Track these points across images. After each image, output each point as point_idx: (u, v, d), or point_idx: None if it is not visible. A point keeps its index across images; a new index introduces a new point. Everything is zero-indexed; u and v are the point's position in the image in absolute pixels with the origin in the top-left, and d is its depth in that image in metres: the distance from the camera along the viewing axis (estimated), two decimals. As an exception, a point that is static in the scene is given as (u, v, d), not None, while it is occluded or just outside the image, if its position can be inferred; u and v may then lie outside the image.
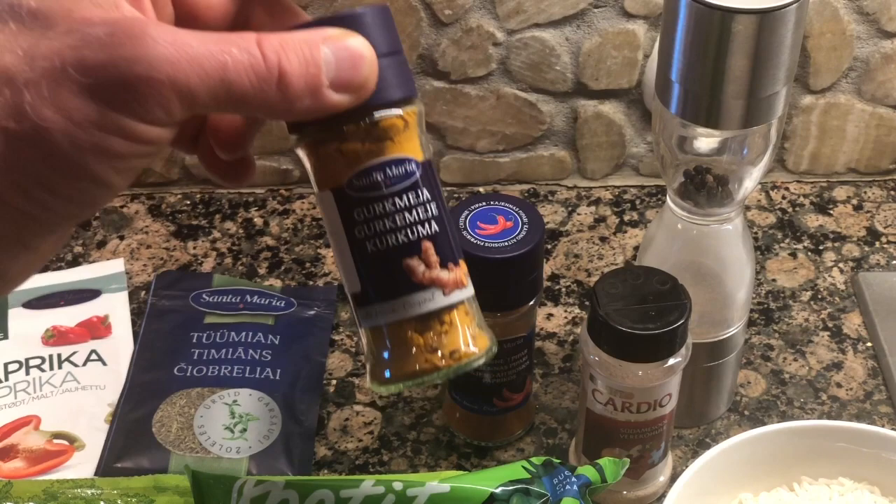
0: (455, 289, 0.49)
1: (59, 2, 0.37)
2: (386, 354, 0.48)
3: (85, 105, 0.36)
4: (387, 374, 0.48)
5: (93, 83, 0.36)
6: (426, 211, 0.48)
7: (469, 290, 0.49)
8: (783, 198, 0.94)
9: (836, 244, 0.90)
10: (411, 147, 0.47)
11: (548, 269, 0.88)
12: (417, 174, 0.47)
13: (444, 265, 0.48)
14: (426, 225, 0.48)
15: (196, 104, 0.38)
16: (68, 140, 0.37)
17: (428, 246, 0.48)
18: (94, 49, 0.36)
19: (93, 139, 0.37)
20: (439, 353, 0.48)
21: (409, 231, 0.48)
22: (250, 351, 0.79)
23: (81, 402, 0.77)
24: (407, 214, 0.48)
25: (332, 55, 0.41)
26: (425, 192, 0.48)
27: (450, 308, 0.48)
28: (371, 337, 0.48)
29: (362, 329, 0.49)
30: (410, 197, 0.48)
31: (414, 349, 0.48)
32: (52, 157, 0.37)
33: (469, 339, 0.48)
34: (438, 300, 0.48)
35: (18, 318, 0.83)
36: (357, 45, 0.42)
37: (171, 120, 0.38)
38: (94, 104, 0.36)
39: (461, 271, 0.49)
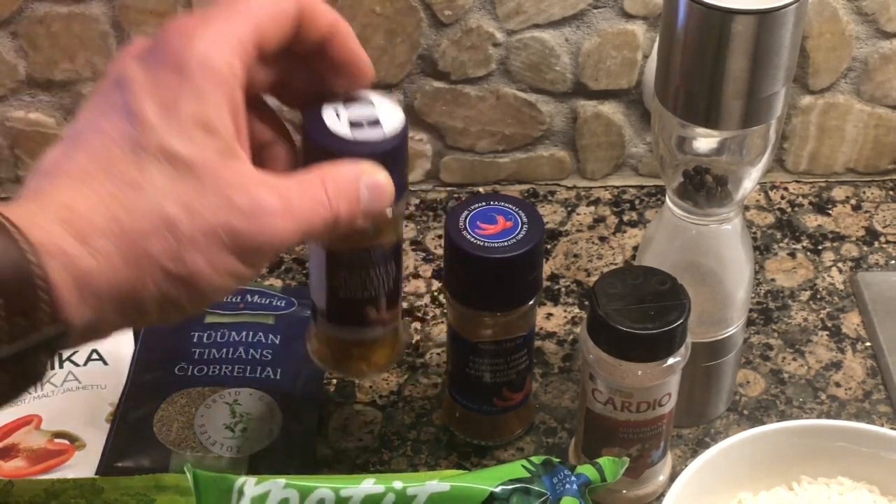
0: (391, 323, 0.64)
1: (201, 154, 0.46)
2: (330, 354, 0.65)
3: (229, 262, 0.47)
4: (323, 366, 0.67)
5: (237, 248, 0.47)
6: (388, 276, 0.62)
7: (398, 321, 0.65)
8: (782, 198, 0.94)
9: (835, 244, 0.90)
10: (393, 233, 0.60)
11: (547, 269, 0.88)
12: (391, 252, 0.61)
13: (389, 310, 0.63)
14: (386, 286, 0.62)
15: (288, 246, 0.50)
16: (210, 285, 0.47)
17: (383, 300, 0.63)
18: (239, 220, 0.47)
19: (225, 284, 0.48)
20: (366, 363, 0.65)
21: (374, 290, 0.62)
22: (251, 350, 0.80)
23: (82, 401, 0.77)
24: (376, 280, 0.62)
25: (367, 192, 0.52)
26: (393, 264, 0.62)
27: (382, 336, 0.64)
28: (323, 338, 0.65)
29: (316, 328, 0.65)
30: (381, 269, 0.62)
31: (349, 358, 0.65)
32: (194, 293, 0.47)
33: (390, 356, 0.66)
34: (377, 332, 0.64)
35: (19, 317, 0.83)
36: (383, 182, 0.53)
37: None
38: (234, 261, 0.47)
39: (398, 310, 0.65)
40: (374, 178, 0.52)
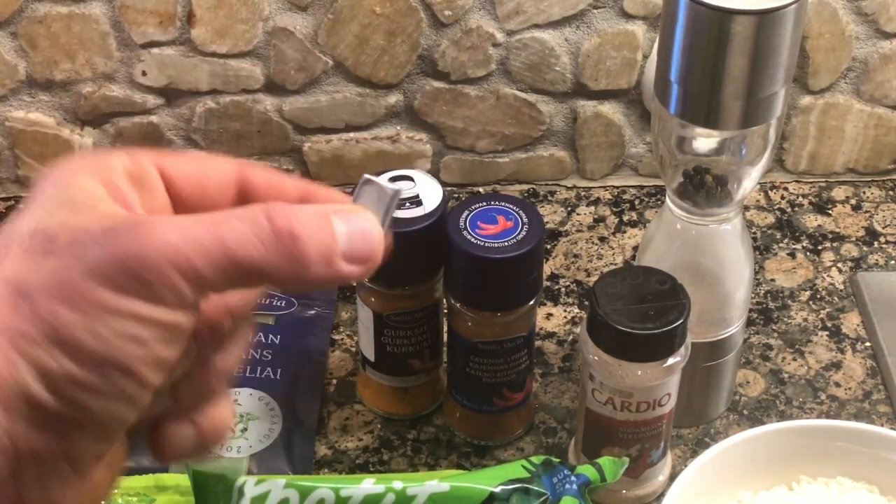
0: (433, 372, 0.76)
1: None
2: (377, 398, 0.77)
3: (99, 293, 0.36)
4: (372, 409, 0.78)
5: (101, 276, 0.36)
6: (432, 331, 0.73)
7: (439, 369, 0.76)
8: (782, 198, 0.94)
9: (835, 244, 0.90)
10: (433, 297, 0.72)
11: (547, 269, 0.88)
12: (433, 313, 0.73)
13: (432, 360, 0.75)
14: (428, 340, 0.74)
15: (203, 281, 0.37)
16: (91, 334, 0.36)
17: (426, 352, 0.74)
18: (94, 250, 0.36)
19: (111, 327, 0.36)
20: (404, 404, 0.76)
21: (418, 345, 0.73)
22: (251, 350, 0.80)
23: (82, 401, 0.77)
24: (419, 336, 0.73)
25: (345, 227, 0.39)
26: (434, 320, 0.73)
27: (422, 383, 0.76)
28: (372, 384, 0.76)
29: (367, 373, 0.76)
30: (425, 326, 0.73)
31: (391, 398, 0.76)
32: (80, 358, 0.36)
33: (430, 400, 0.78)
34: (420, 379, 0.76)
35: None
36: (367, 221, 0.40)
37: (184, 301, 0.37)
38: (106, 290, 0.36)
39: (440, 359, 0.75)
40: (353, 216, 0.40)
